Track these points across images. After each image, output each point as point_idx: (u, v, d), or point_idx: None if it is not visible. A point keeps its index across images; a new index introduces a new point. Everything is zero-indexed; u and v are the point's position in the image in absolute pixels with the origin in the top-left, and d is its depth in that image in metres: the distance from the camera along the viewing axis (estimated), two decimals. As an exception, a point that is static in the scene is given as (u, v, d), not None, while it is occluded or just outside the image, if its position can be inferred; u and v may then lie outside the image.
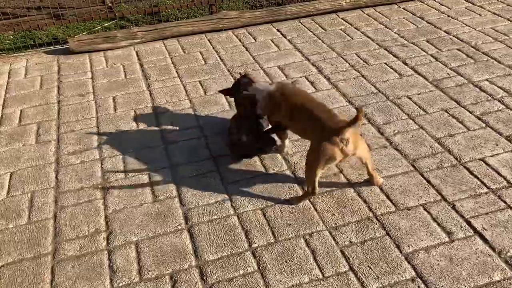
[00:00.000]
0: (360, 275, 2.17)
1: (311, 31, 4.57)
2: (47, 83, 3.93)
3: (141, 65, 4.13)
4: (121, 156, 3.03)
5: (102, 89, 3.80)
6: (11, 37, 4.79)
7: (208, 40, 4.51)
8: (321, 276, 2.18)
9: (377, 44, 4.25)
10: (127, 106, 3.55)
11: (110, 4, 5.19)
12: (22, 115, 3.53)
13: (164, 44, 4.50)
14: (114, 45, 4.41)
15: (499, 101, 3.35)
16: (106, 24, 4.91)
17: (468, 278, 2.13)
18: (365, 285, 2.13)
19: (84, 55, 4.36)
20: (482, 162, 2.80)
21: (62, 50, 4.48)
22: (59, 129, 3.34)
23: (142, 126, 3.32)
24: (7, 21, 4.67)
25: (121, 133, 3.25)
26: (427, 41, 4.23)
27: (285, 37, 4.49)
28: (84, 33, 4.76)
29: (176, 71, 3.99)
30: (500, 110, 3.24)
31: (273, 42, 4.41)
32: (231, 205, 2.61)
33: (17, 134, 3.31)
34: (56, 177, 2.89)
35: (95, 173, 2.91)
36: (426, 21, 4.60)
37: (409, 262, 2.22)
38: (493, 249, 2.26)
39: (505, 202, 2.51)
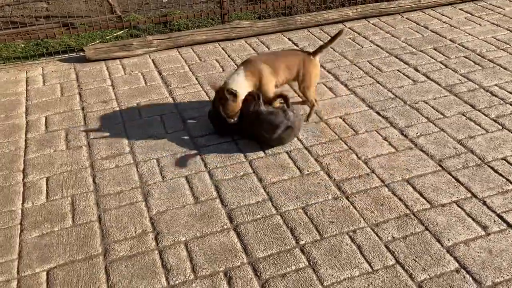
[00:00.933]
0: (407, 267, 2.28)
1: (321, 40, 4.71)
2: (67, 91, 3.96)
3: (160, 73, 4.20)
4: (155, 160, 3.09)
5: (125, 95, 3.85)
6: (22, 45, 4.79)
7: (222, 48, 4.61)
8: (370, 270, 2.28)
9: (386, 52, 4.42)
10: (152, 112, 3.61)
11: (120, 14, 5.24)
12: (48, 121, 3.55)
13: (179, 52, 4.58)
14: (130, 53, 4.46)
15: (511, 104, 3.53)
16: (118, 33, 4.97)
17: (509, 268, 2.26)
18: (413, 276, 2.24)
19: (101, 63, 4.40)
20: (504, 161, 2.96)
21: (77, 58, 4.52)
22: (88, 135, 3.38)
23: (170, 131, 3.38)
24: (16, 30, 4.68)
25: (151, 138, 3.31)
26: (435, 49, 4.42)
27: (297, 46, 4.62)
28: (97, 41, 4.80)
29: (196, 78, 4.07)
30: (513, 113, 3.43)
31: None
32: (272, 204, 2.70)
33: (46, 141, 3.33)
34: (94, 181, 2.93)
35: (132, 177, 2.96)
36: (431, 30, 4.80)
37: (451, 255, 2.34)
38: (528, 241, 2.41)
39: (531, 197, 2.67)
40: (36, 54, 4.55)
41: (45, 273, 2.34)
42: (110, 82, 4.07)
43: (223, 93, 3.06)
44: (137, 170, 3.02)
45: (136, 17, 5.19)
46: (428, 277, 2.23)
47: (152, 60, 4.45)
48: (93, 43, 4.70)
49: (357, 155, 3.07)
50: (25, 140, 3.36)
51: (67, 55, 4.57)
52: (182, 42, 4.62)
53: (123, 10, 5.42)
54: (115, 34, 4.92)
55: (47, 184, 2.93)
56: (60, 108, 3.72)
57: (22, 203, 2.78)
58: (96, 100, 3.81)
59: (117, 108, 3.69)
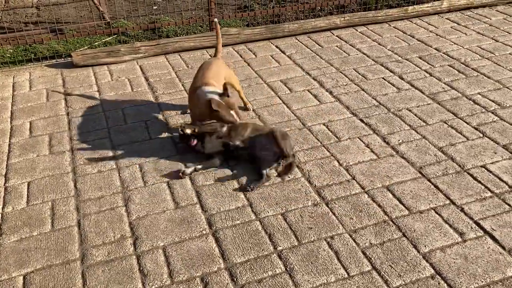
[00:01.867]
0: (383, 273, 2.29)
1: (309, 48, 4.75)
2: (54, 96, 3.97)
3: (146, 79, 4.22)
4: (137, 166, 3.10)
5: (110, 101, 3.86)
6: (11, 50, 4.80)
7: (210, 55, 4.64)
8: (346, 276, 2.29)
9: (372, 60, 4.46)
10: (137, 118, 3.62)
11: (109, 20, 5.26)
12: (32, 126, 3.55)
13: (166, 58, 4.60)
14: (117, 59, 4.48)
15: (492, 113, 3.57)
16: (106, 39, 4.98)
17: (484, 275, 2.27)
18: (388, 282, 2.25)
19: (88, 69, 4.42)
20: (484, 169, 2.98)
21: (64, 64, 4.53)
22: (72, 140, 3.38)
23: (155, 136, 3.39)
24: (4, 35, 4.69)
25: (135, 143, 3.32)
26: (420, 58, 4.46)
27: (284, 53, 4.65)
28: (85, 47, 4.81)
29: (182, 85, 4.09)
30: (494, 121, 3.46)
31: (273, 57, 4.57)
32: (252, 210, 2.71)
33: (29, 145, 3.34)
34: (75, 186, 2.94)
35: (114, 182, 2.96)
36: (417, 39, 4.85)
37: (427, 261, 2.36)
38: (503, 247, 2.42)
39: (509, 205, 2.69)
40: (24, 60, 4.56)
41: (21, 277, 2.33)
42: (97, 88, 4.09)
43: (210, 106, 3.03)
44: (119, 175, 3.02)
45: (125, 24, 5.22)
46: (403, 283, 2.24)
47: (140, 66, 4.46)
48: (81, 49, 4.72)
49: (338, 162, 3.09)
50: (9, 144, 3.36)
51: (54, 60, 4.59)
52: (170, 49, 4.64)
53: (113, 17, 5.44)
54: (103, 40, 4.94)
55: (28, 188, 2.93)
56: (45, 113, 3.73)
57: (2, 208, 2.78)
58: (82, 105, 3.82)
59: (102, 114, 3.70)
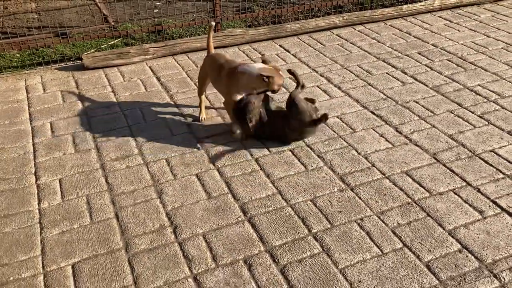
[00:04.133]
0: (414, 249, 2.46)
1: (312, 46, 4.92)
2: (69, 97, 4.04)
3: (158, 79, 4.32)
4: (164, 160, 3.20)
5: (127, 101, 3.95)
6: (18, 55, 4.84)
7: (217, 55, 4.76)
8: (380, 253, 2.45)
9: (374, 56, 4.65)
10: (156, 116, 3.72)
11: (113, 23, 5.34)
12: (53, 127, 3.62)
13: (175, 59, 4.71)
14: (127, 61, 4.57)
15: (494, 102, 3.79)
16: (112, 42, 5.06)
17: (506, 246, 2.46)
18: (420, 257, 2.41)
19: (99, 71, 4.49)
20: (493, 153, 3.18)
21: (74, 67, 4.59)
22: (95, 138, 3.47)
23: (176, 132, 3.50)
24: (9, 40, 4.72)
25: (158, 140, 3.42)
26: (419, 53, 4.67)
27: (289, 52, 4.81)
28: (92, 50, 4.88)
29: (194, 83, 4.20)
30: (497, 110, 3.67)
31: (278, 56, 4.72)
32: (282, 197, 2.85)
33: (54, 145, 3.40)
34: (107, 181, 3.02)
35: (144, 176, 3.06)
36: (414, 36, 5.07)
37: (453, 237, 2.53)
38: (521, 222, 2.62)
39: (520, 184, 2.90)
40: (34, 63, 4.60)
41: (70, 267, 2.42)
42: (111, 89, 4.17)
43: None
44: (148, 169, 3.12)
45: (130, 27, 5.30)
46: (434, 257, 2.41)
47: (150, 67, 4.56)
48: (90, 51, 4.79)
49: (357, 151, 3.25)
50: (33, 144, 3.42)
51: (64, 63, 4.65)
52: (178, 50, 4.75)
53: (115, 20, 5.52)
54: (110, 43, 5.02)
55: (60, 185, 3.00)
56: (64, 113, 3.79)
57: (38, 204, 2.85)
58: (99, 105, 3.90)
59: (121, 113, 3.78)
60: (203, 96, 3.68)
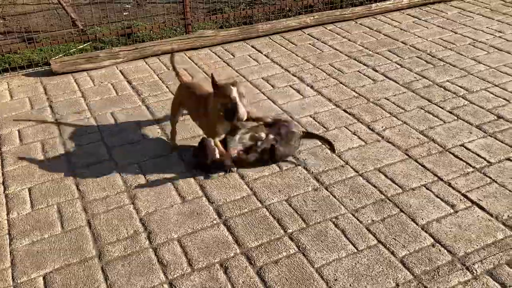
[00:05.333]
0: (389, 246, 2.48)
1: (283, 46, 4.93)
2: (37, 104, 3.94)
3: (129, 83, 4.26)
4: (136, 165, 3.16)
5: (97, 106, 3.88)
6: (-18, 61, 4.71)
7: (189, 58, 4.72)
8: (355, 250, 2.46)
9: (345, 55, 4.68)
10: (128, 120, 3.66)
11: (81, 27, 5.25)
12: (22, 134, 3.53)
13: (146, 62, 4.65)
14: (97, 65, 4.49)
15: (462, 97, 3.86)
16: (81, 46, 4.97)
17: (478, 239, 2.50)
18: (395, 253, 2.43)
19: (68, 76, 4.40)
20: (463, 147, 3.24)
21: (42, 72, 4.49)
22: (65, 145, 3.39)
23: (149, 137, 3.45)
24: (-25, 46, 4.60)
25: (131, 144, 3.37)
26: (389, 51, 4.73)
27: (261, 52, 4.81)
28: (60, 55, 4.79)
29: (167, 87, 4.16)
30: (465, 105, 3.74)
31: (250, 57, 4.72)
32: (257, 199, 2.84)
33: (22, 153, 3.32)
34: (78, 189, 2.96)
35: (116, 182, 3.01)
36: (384, 34, 5.13)
37: (426, 232, 2.56)
38: (491, 215, 2.66)
39: (489, 177, 2.95)
40: (1, 70, 4.48)
41: (41, 278, 2.36)
42: (81, 94, 4.09)
43: None
44: (120, 175, 3.07)
45: (99, 30, 5.22)
46: (408, 252, 2.44)
47: (120, 71, 4.49)
48: (58, 56, 4.69)
49: (330, 150, 3.27)
50: (0, 153, 3.33)
51: (31, 69, 4.54)
52: (149, 53, 4.70)
53: (84, 24, 5.42)
54: (79, 47, 4.92)
55: (30, 194, 2.93)
56: (32, 121, 3.71)
57: (7, 214, 2.77)
58: (69, 111, 3.82)
59: (92, 118, 3.72)
60: (175, 122, 3.38)
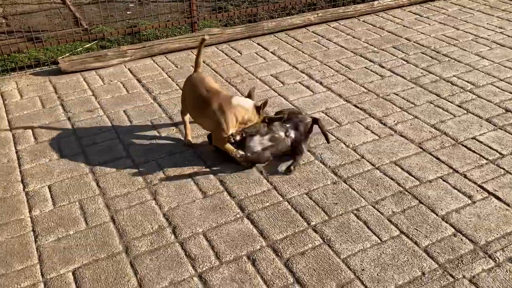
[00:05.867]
0: (411, 236, 2.53)
1: (289, 44, 4.97)
2: (49, 102, 3.94)
3: (139, 81, 4.27)
4: (154, 162, 3.18)
5: (109, 104, 3.89)
6: (-12, 61, 4.68)
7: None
8: (379, 241, 2.51)
9: (351, 52, 4.74)
10: (142, 118, 3.68)
11: (86, 26, 5.24)
12: (35, 133, 3.53)
13: (153, 60, 4.66)
14: (105, 64, 4.49)
15: (470, 92, 3.93)
16: (88, 45, 4.97)
17: (498, 228, 2.56)
18: (418, 243, 2.49)
19: (76, 75, 4.40)
20: (475, 140, 3.31)
21: (50, 71, 4.48)
22: (81, 143, 3.40)
23: (164, 134, 3.47)
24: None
25: (146, 141, 3.39)
26: (394, 47, 4.79)
27: (267, 50, 4.85)
28: (67, 54, 4.78)
29: (176, 84, 4.18)
30: (473, 99, 3.82)
31: (258, 54, 4.75)
32: (278, 193, 2.87)
33: (38, 151, 3.32)
34: (98, 185, 2.97)
35: (136, 179, 3.03)
36: (387, 31, 5.19)
37: (446, 222, 2.62)
38: (508, 204, 2.73)
39: (503, 168, 3.02)
40: (8, 69, 4.46)
41: (70, 273, 2.37)
42: (91, 92, 4.09)
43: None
44: (139, 171, 3.09)
45: (104, 29, 5.22)
46: (431, 242, 2.49)
47: (129, 69, 4.50)
48: (66, 55, 4.68)
49: (345, 144, 3.31)
50: (16, 152, 3.32)
51: (39, 68, 4.53)
52: (156, 51, 4.71)
53: (89, 23, 5.42)
54: (86, 46, 4.92)
55: (50, 191, 2.93)
56: (45, 119, 3.70)
57: (29, 211, 2.78)
58: (81, 109, 3.82)
59: (105, 116, 3.72)
60: (187, 117, 3.38)
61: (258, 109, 3.05)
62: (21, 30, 5.16)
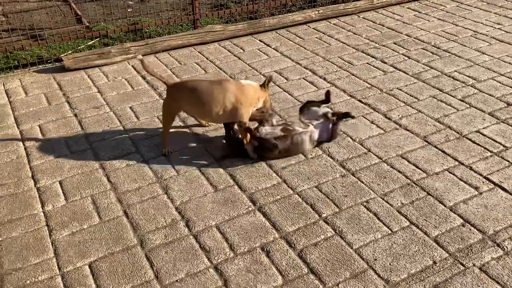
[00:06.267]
0: (421, 226, 2.58)
1: (291, 40, 5.01)
2: (54, 99, 3.95)
3: (143, 77, 4.29)
4: (164, 157, 3.20)
5: (115, 101, 3.91)
6: (-9, 59, 4.68)
7: (199, 52, 4.77)
8: (390, 232, 2.56)
9: (353, 48, 4.79)
10: (149, 114, 3.70)
11: (88, 24, 5.25)
12: (43, 130, 3.54)
13: (157, 57, 4.68)
14: (108, 61, 4.51)
15: (472, 86, 3.99)
16: (90, 43, 4.97)
17: (505, 218, 2.62)
18: (428, 233, 2.54)
19: (80, 72, 4.41)
20: (479, 133, 3.37)
21: (53, 69, 4.49)
22: (89, 139, 3.42)
23: (171, 129, 3.49)
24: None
25: (154, 137, 3.41)
26: (395, 43, 4.85)
27: (270, 46, 4.88)
28: (70, 52, 4.78)
29: (181, 80, 4.21)
30: (475, 94, 3.88)
31: (260, 51, 4.78)
32: (288, 186, 2.91)
33: (47, 147, 3.33)
34: (109, 180, 3.00)
35: (147, 173, 3.05)
36: (387, 27, 5.25)
37: (454, 212, 2.67)
38: (513, 195, 2.79)
39: (508, 160, 3.08)
40: (12, 66, 4.46)
41: (87, 266, 2.40)
42: (96, 89, 4.11)
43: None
44: (149, 167, 3.11)
45: (106, 26, 5.22)
46: (440, 232, 2.54)
47: (132, 66, 4.52)
48: (68, 53, 4.69)
49: (351, 138, 3.36)
50: (25, 148, 3.34)
51: (42, 66, 4.53)
52: (159, 48, 4.73)
53: (89, 21, 5.42)
54: (88, 43, 4.93)
55: (61, 187, 2.95)
56: (52, 116, 3.71)
57: (42, 207, 2.80)
58: (87, 106, 3.84)
59: (111, 113, 3.74)
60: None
61: (262, 86, 3.22)
62: (22, 28, 5.16)
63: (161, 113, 3.59)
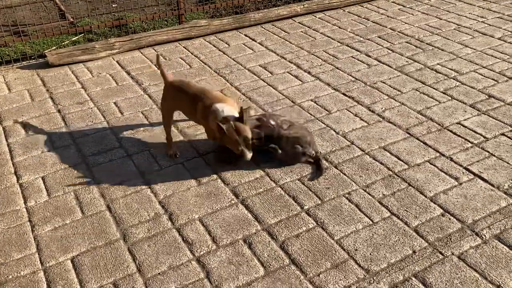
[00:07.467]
0: (402, 217, 2.61)
1: (276, 35, 5.02)
2: (37, 96, 3.93)
3: (128, 73, 4.28)
4: (147, 152, 3.21)
5: (99, 96, 3.90)
6: (-27, 56, 4.64)
7: (184, 47, 4.77)
8: (371, 222, 2.58)
9: (338, 42, 4.81)
10: (133, 109, 3.70)
11: (72, 20, 5.21)
12: (26, 126, 3.52)
13: (141, 53, 4.67)
14: (93, 57, 4.49)
15: (454, 79, 4.03)
16: (75, 38, 4.95)
17: (483, 207, 2.66)
18: (408, 223, 2.57)
19: (64, 68, 4.39)
20: (460, 125, 3.41)
21: (37, 65, 4.46)
22: (72, 135, 3.41)
23: (156, 125, 3.50)
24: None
25: (138, 132, 3.41)
26: (379, 37, 4.88)
27: (255, 41, 4.89)
28: (54, 48, 4.76)
29: (166, 76, 4.20)
30: (457, 86, 3.92)
31: (245, 45, 4.79)
32: (271, 179, 2.93)
33: (30, 143, 3.32)
34: (92, 175, 3.00)
35: (130, 168, 3.06)
36: (372, 21, 5.27)
37: (434, 203, 2.71)
38: (492, 185, 2.83)
39: (487, 151, 3.12)
40: (-7, 63, 4.44)
41: (69, 261, 2.40)
42: (80, 85, 4.09)
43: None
44: (132, 161, 3.12)
45: (90, 22, 5.20)
46: (420, 222, 2.58)
47: (117, 61, 4.50)
48: (52, 49, 4.66)
49: (335, 131, 3.38)
50: (7, 145, 3.32)
51: (26, 62, 4.50)
52: (144, 43, 4.72)
53: (74, 16, 5.39)
54: (73, 39, 4.90)
55: (44, 182, 2.95)
56: (35, 112, 3.70)
57: (25, 202, 2.79)
58: (71, 102, 3.83)
59: (95, 108, 3.73)
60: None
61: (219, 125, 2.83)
62: (6, 24, 5.12)
63: (147, 108, 3.59)
